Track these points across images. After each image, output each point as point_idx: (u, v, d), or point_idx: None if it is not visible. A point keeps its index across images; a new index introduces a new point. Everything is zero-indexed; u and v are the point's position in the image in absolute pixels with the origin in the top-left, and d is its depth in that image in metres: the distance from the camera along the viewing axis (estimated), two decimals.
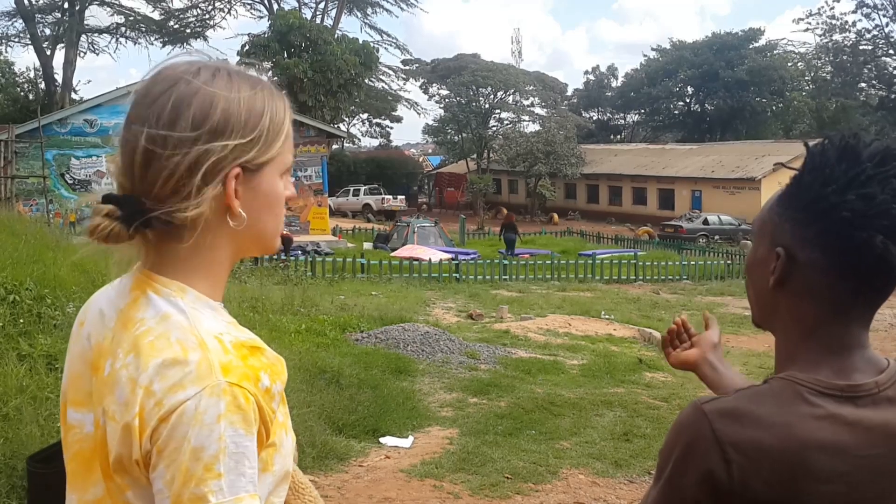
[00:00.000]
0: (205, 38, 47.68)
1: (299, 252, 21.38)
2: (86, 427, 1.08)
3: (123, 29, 44.29)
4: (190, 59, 1.11)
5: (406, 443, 6.53)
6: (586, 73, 71.62)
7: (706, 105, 61.30)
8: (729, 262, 22.78)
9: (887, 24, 50.62)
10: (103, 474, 1.04)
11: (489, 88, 51.13)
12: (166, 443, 0.96)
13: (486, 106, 52.08)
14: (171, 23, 45.91)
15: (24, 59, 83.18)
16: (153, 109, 1.04)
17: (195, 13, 47.05)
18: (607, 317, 13.96)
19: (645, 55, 66.82)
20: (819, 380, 1.05)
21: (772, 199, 1.15)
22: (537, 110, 54.19)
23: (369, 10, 51.06)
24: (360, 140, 62.69)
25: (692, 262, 22.35)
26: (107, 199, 1.03)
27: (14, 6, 40.16)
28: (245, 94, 1.07)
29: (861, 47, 51.71)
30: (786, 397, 1.04)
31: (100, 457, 1.05)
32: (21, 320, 5.74)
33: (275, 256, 18.97)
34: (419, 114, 58.26)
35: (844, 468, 1.01)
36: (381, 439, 6.56)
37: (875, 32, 51.36)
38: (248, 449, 0.98)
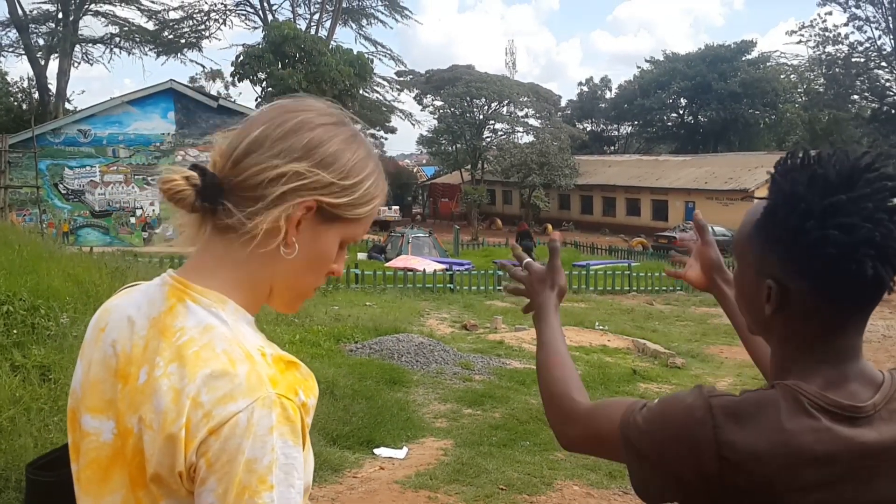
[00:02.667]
0: (199, 49, 47.76)
1: None
2: (103, 435, 1.07)
3: (118, 39, 44.24)
4: (334, 108, 1.16)
5: (400, 454, 6.52)
6: (580, 84, 72.01)
7: (699, 117, 61.54)
8: None
9: (879, 37, 50.92)
10: (132, 483, 1.03)
11: (483, 99, 51.25)
12: (218, 455, 0.96)
13: (481, 117, 52.18)
14: (166, 33, 45.90)
15: (17, 68, 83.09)
16: (280, 118, 1.10)
17: (190, 24, 47.07)
18: (601, 328, 13.96)
19: (639, 67, 67.20)
20: (821, 393, 1.07)
21: (747, 224, 1.17)
22: (531, 121, 54.36)
23: (364, 22, 51.27)
24: None
25: None
26: (195, 167, 1.07)
27: (8, 16, 40.17)
28: (360, 153, 1.12)
29: (853, 60, 51.97)
30: (788, 407, 1.07)
31: (123, 465, 1.05)
32: (14, 331, 5.73)
33: None
34: (413, 125, 58.27)
35: (832, 478, 1.04)
36: (376, 450, 6.54)
37: (867, 45, 51.65)
38: (297, 461, 0.99)
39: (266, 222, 1.05)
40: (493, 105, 52.27)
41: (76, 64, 43.52)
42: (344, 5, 48.49)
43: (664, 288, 20.85)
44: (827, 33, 51.93)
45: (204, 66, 63.44)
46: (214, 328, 1.04)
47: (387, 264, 22.42)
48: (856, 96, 53.60)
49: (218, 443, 0.96)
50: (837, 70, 51.75)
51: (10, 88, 39.59)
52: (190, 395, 0.98)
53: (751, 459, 1.03)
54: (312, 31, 44.89)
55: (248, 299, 1.10)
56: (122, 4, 43.14)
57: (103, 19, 43.24)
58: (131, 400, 1.04)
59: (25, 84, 40.48)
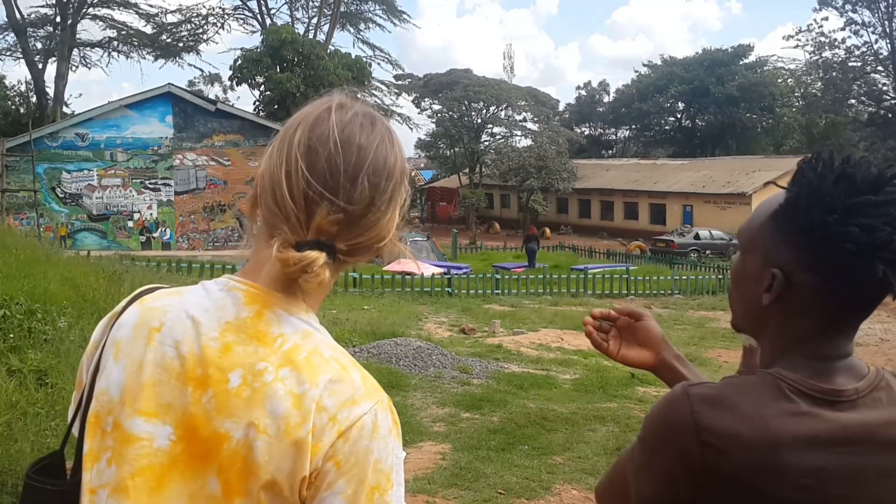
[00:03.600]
0: (197, 53, 47.79)
1: None
2: (157, 440, 1.02)
3: (116, 43, 44.26)
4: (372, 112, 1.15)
5: None
6: (578, 88, 72.31)
7: (697, 121, 61.66)
8: (720, 276, 22.82)
9: (876, 41, 51.04)
10: (227, 490, 1.00)
11: (481, 103, 51.27)
12: (347, 458, 0.99)
13: (479, 121, 52.21)
14: (164, 37, 45.90)
15: (15, 72, 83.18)
16: (377, 169, 1.08)
17: (188, 28, 47.09)
18: None
19: (636, 71, 67.34)
20: (803, 379, 1.09)
21: (761, 213, 1.17)
22: (529, 125, 54.37)
23: (362, 26, 51.31)
24: None
25: (684, 277, 22.40)
26: (320, 246, 1.04)
27: (6, 20, 40.18)
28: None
29: (850, 64, 52.08)
30: (768, 392, 1.08)
31: (184, 472, 1.02)
32: (11, 335, 5.71)
33: None
34: (411, 128, 58.21)
35: (819, 463, 1.05)
36: None
37: (864, 49, 51.77)
38: (402, 460, 1.06)
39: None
40: (491, 109, 52.31)
41: (74, 68, 43.61)
42: (342, 9, 48.54)
43: (662, 291, 20.87)
44: (824, 38, 52.07)
45: (202, 70, 63.64)
46: (312, 334, 1.06)
47: (384, 268, 22.38)
48: (853, 100, 53.73)
49: (347, 445, 0.99)
50: (834, 74, 51.88)
51: (8, 92, 39.60)
52: (314, 399, 1.00)
53: (732, 443, 1.04)
54: (311, 35, 44.93)
55: (317, 304, 1.13)
56: (120, 8, 43.18)
57: (101, 23, 43.30)
58: (222, 404, 1.01)
59: (23, 88, 40.58)
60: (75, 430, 1.12)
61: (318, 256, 1.02)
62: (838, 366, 1.11)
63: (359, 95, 1.16)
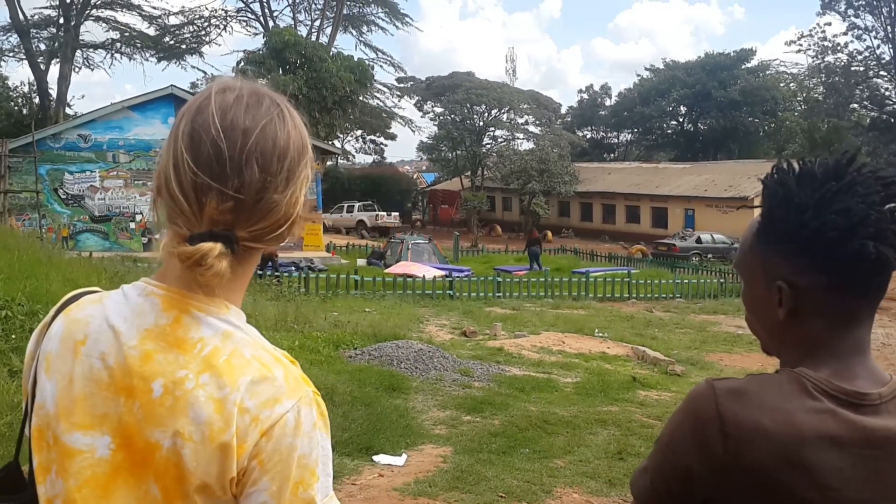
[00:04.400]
0: (200, 55, 47.86)
1: (293, 268, 21.35)
2: (98, 451, 1.03)
3: (119, 45, 44.37)
4: (260, 90, 1.10)
5: (399, 461, 6.50)
6: (580, 91, 72.32)
7: (699, 124, 61.68)
8: (722, 280, 22.80)
9: (878, 46, 50.98)
10: (166, 496, 1.01)
11: (483, 106, 51.36)
12: (270, 456, 1.00)
13: (481, 124, 52.27)
14: (167, 39, 46.03)
15: (18, 73, 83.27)
16: (265, 151, 1.05)
17: (191, 29, 47.23)
18: (601, 335, 13.96)
19: (639, 75, 67.36)
20: (826, 379, 1.10)
21: (747, 238, 1.21)
22: (531, 128, 54.44)
23: (364, 28, 51.45)
24: (354, 157, 62.95)
25: (685, 281, 22.36)
26: (213, 237, 1.02)
27: (9, 21, 40.28)
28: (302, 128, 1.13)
29: (853, 68, 52.02)
30: (791, 388, 1.10)
31: (128, 480, 1.02)
32: (13, 336, 5.72)
33: (267, 272, 18.91)
34: (413, 131, 58.43)
35: (839, 463, 1.05)
36: (375, 457, 6.52)
37: (867, 54, 51.68)
38: (330, 451, 1.07)
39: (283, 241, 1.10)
40: (493, 112, 52.39)
41: (77, 69, 43.68)
42: (345, 12, 48.63)
43: (664, 295, 20.85)
44: (826, 42, 52.03)
45: (205, 72, 63.52)
46: (233, 334, 1.05)
47: (386, 270, 22.40)
48: (855, 105, 53.65)
49: (270, 444, 1.00)
50: (837, 79, 51.79)
51: (11, 93, 39.66)
52: (236, 402, 1.00)
53: (754, 434, 1.05)
54: (313, 38, 45.03)
55: (240, 297, 1.12)
56: (124, 10, 43.29)
57: (104, 24, 43.47)
58: (149, 414, 1.02)
59: (26, 89, 40.65)
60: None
61: (212, 248, 1.00)
62: (859, 366, 1.12)
63: (245, 78, 1.11)
